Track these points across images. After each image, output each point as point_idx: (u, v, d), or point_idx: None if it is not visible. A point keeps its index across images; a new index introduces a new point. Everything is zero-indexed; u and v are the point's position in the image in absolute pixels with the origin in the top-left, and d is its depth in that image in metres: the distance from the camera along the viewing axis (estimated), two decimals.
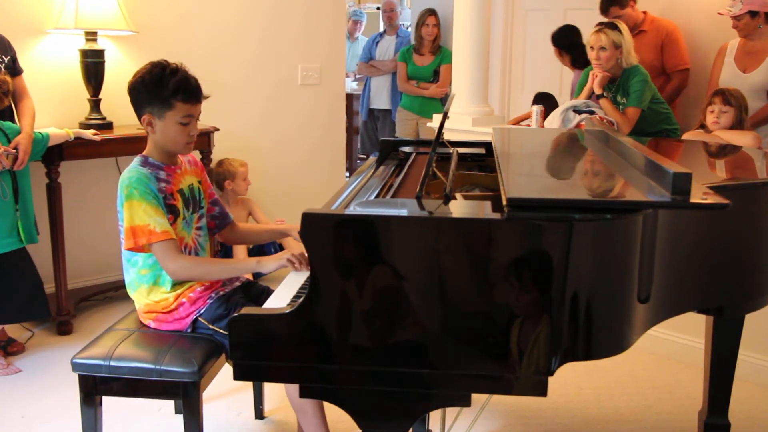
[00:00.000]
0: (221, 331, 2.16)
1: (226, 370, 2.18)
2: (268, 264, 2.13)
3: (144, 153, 2.25)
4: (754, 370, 3.00)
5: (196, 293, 2.22)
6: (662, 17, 4.18)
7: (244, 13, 4.47)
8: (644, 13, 4.14)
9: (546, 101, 4.35)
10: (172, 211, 2.20)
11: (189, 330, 2.21)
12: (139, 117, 2.20)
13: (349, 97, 6.75)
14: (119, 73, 3.93)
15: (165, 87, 2.12)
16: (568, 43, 4.48)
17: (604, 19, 3.70)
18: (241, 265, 2.32)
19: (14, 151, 3.04)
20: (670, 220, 1.73)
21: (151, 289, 2.23)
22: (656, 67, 4.09)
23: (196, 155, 3.93)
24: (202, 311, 2.21)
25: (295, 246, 3.98)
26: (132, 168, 2.19)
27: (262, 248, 4.08)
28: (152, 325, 2.25)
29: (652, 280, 1.72)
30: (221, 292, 2.26)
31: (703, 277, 1.99)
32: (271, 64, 4.63)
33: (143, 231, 2.10)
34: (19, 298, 3.11)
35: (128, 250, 2.15)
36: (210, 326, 2.18)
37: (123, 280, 3.98)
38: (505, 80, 5.61)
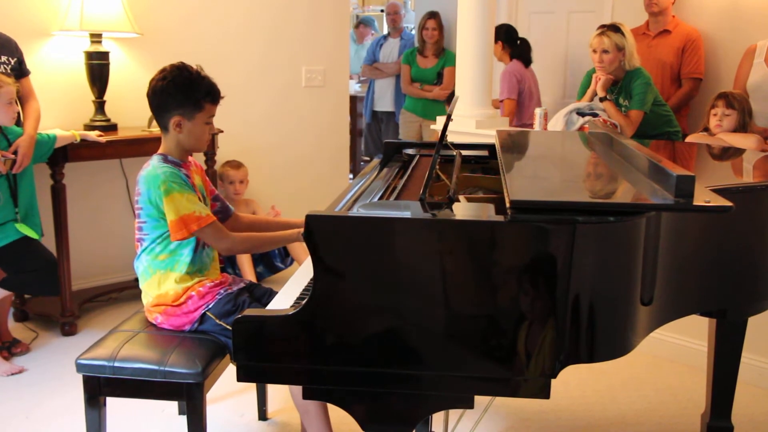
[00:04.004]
0: (228, 327, 2.17)
1: (230, 370, 2.18)
2: None
3: (161, 152, 2.28)
4: (758, 373, 3.00)
5: (205, 288, 2.25)
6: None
7: (249, 16, 4.48)
8: (673, 16, 4.14)
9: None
10: None
11: (196, 325, 2.23)
12: (166, 119, 2.24)
13: (353, 100, 6.76)
14: (124, 75, 3.95)
15: (197, 90, 2.21)
16: (509, 38, 4.88)
17: (606, 22, 3.70)
18: (287, 235, 2.37)
19: (13, 156, 3.04)
20: (673, 223, 1.74)
21: (166, 276, 2.25)
22: (675, 70, 4.08)
23: (200, 157, 3.98)
24: (210, 306, 2.23)
25: (302, 250, 3.99)
26: (157, 165, 2.23)
27: (266, 252, 4.08)
28: (159, 319, 2.26)
29: (655, 283, 1.72)
30: (229, 290, 2.29)
31: (705, 280, 1.99)
32: (275, 66, 4.64)
33: (191, 218, 2.16)
34: (31, 277, 3.13)
35: (181, 239, 2.19)
36: (217, 321, 2.21)
37: (127, 282, 4.01)
38: None
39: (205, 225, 2.19)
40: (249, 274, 3.93)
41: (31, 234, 3.09)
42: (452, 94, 5.10)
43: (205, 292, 2.24)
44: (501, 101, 4.84)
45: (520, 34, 5.01)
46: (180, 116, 2.22)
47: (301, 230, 2.17)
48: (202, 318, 2.23)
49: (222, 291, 2.27)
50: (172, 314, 2.24)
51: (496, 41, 4.77)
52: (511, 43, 4.92)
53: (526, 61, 4.92)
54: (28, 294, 3.37)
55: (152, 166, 2.23)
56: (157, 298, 2.26)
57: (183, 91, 2.20)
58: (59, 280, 3.33)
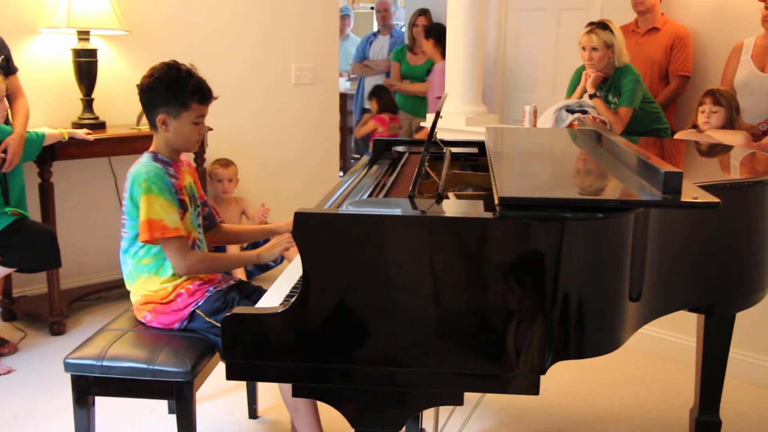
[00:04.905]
0: (217, 324, 2.17)
1: (220, 369, 2.17)
2: (266, 255, 2.24)
3: (152, 150, 2.27)
4: (746, 368, 3.01)
5: (194, 286, 2.24)
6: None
7: (238, 13, 4.47)
8: (661, 13, 4.15)
9: (381, 92, 5.31)
10: (182, 206, 2.24)
11: (186, 323, 2.22)
12: (153, 116, 2.23)
13: (343, 97, 6.75)
14: (112, 72, 3.93)
15: (183, 88, 2.19)
16: (441, 36, 4.98)
17: (595, 20, 3.71)
18: (245, 256, 2.41)
19: (3, 154, 3.02)
20: (661, 219, 1.74)
21: (151, 278, 2.24)
22: (663, 67, 4.09)
23: (190, 155, 3.96)
24: (200, 303, 2.22)
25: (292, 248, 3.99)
26: (146, 163, 2.21)
27: (255, 246, 4.07)
28: (149, 317, 2.25)
29: (643, 279, 1.72)
30: (219, 288, 2.28)
31: (693, 276, 2.00)
32: (264, 64, 4.63)
33: (157, 225, 2.14)
34: (30, 251, 3.10)
35: (144, 242, 2.18)
36: (207, 319, 2.20)
37: (115, 281, 3.99)
38: (498, 80, 5.62)
39: (169, 237, 2.14)
40: (239, 271, 3.92)
41: (23, 212, 3.08)
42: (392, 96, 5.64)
43: (195, 290, 2.24)
44: (438, 98, 5.04)
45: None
46: (166, 114, 2.21)
47: (260, 250, 2.20)
48: (192, 315, 2.22)
49: (211, 288, 2.26)
50: (161, 312, 2.23)
51: (427, 38, 5.28)
52: (442, 41, 5.03)
53: None
54: (29, 269, 3.30)
55: (141, 163, 2.22)
56: (145, 297, 2.25)
57: (168, 89, 2.19)
58: (59, 252, 3.20)
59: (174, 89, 2.18)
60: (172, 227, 2.15)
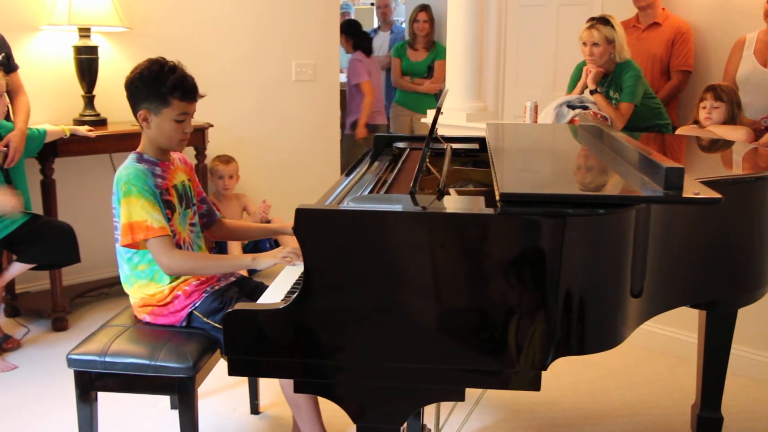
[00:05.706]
0: (216, 324, 2.17)
1: (222, 365, 2.18)
2: (263, 261, 2.15)
3: (138, 150, 2.26)
4: (748, 364, 3.02)
5: (191, 287, 2.23)
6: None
7: (238, 9, 4.47)
8: (662, 8, 4.14)
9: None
10: (168, 206, 2.21)
11: (184, 324, 2.22)
12: (135, 112, 2.22)
13: (344, 93, 6.74)
14: (113, 69, 3.93)
15: (163, 84, 2.15)
16: (351, 31, 5.77)
17: (596, 15, 3.70)
18: (236, 261, 2.31)
19: (5, 149, 3.03)
20: (662, 215, 1.74)
21: (148, 284, 2.23)
22: (665, 62, 4.09)
23: (191, 151, 3.97)
24: (197, 305, 2.21)
25: (291, 242, 3.99)
26: (128, 165, 2.20)
27: (257, 245, 4.08)
28: (147, 319, 2.25)
29: (644, 275, 1.72)
30: (216, 287, 2.27)
31: (695, 272, 2.00)
32: (265, 60, 4.63)
33: (141, 227, 2.10)
34: (50, 247, 3.13)
35: (125, 246, 2.15)
36: (205, 320, 2.19)
37: (117, 277, 3.99)
38: (499, 76, 5.62)
39: (153, 236, 2.10)
40: None
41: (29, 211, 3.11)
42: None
43: (191, 291, 2.22)
44: (356, 85, 5.63)
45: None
46: (146, 110, 2.19)
47: (256, 256, 2.16)
48: (190, 317, 2.22)
49: (208, 288, 2.25)
50: (160, 314, 2.23)
51: (340, 34, 5.56)
52: (353, 35, 5.74)
53: (367, 50, 5.73)
54: (48, 265, 3.30)
55: (124, 165, 2.20)
56: (143, 300, 2.25)
57: (148, 85, 2.16)
58: (78, 247, 3.22)
59: (154, 85, 2.15)
60: (157, 226, 2.11)
